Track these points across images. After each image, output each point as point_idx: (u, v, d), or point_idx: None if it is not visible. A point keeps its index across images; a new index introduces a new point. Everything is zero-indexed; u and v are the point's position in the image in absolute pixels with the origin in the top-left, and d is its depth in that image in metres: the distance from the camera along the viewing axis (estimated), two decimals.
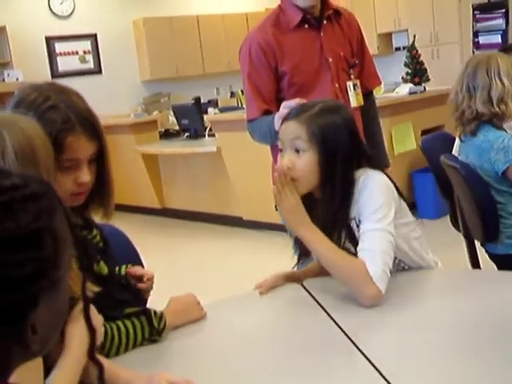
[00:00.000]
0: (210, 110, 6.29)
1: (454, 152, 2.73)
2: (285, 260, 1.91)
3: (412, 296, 1.63)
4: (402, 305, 1.55)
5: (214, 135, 5.82)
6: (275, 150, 2.33)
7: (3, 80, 7.87)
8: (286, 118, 1.69)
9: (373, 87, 2.61)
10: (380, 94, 5.42)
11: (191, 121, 6.35)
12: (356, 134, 1.70)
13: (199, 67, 9.20)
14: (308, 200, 1.66)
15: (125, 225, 6.34)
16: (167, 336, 1.49)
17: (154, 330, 1.46)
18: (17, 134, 1.17)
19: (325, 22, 2.36)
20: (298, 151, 1.63)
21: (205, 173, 6.09)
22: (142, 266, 1.98)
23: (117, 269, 1.70)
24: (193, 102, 6.50)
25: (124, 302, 1.52)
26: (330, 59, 2.35)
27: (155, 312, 1.50)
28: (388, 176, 1.70)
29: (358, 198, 1.62)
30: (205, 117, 5.82)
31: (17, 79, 7.88)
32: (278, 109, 2.23)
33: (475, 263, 2.69)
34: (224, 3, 9.54)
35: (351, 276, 1.55)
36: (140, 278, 1.72)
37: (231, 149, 5.38)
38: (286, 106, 1.91)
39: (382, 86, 9.07)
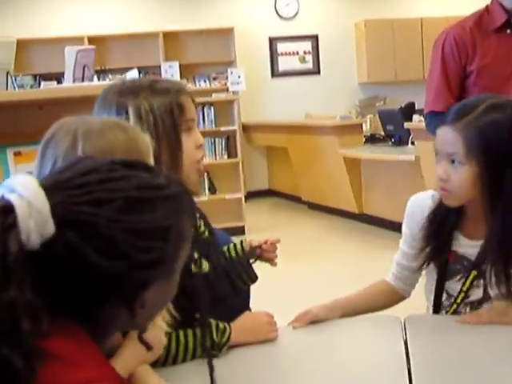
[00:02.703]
0: (415, 117, 6.06)
1: None
2: None
3: None
4: None
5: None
6: None
7: (226, 78, 8.34)
8: (442, 122, 1.54)
9: None
10: None
11: (396, 127, 6.18)
12: None
13: (419, 72, 8.88)
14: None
15: (321, 225, 6.40)
16: (228, 352, 1.44)
17: (214, 344, 1.42)
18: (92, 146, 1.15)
19: None
20: (453, 161, 1.49)
21: (402, 182, 5.89)
22: None
23: (231, 246, 1.75)
24: (399, 107, 6.31)
25: (223, 299, 1.54)
26: None
27: (218, 325, 1.45)
28: None
29: None
30: (405, 124, 5.62)
31: (239, 77, 8.31)
32: None
33: None
34: (450, 5, 9.11)
35: None
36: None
37: (430, 158, 5.12)
38: None
39: None
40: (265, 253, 1.72)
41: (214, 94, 7.57)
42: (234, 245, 1.78)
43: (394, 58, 8.91)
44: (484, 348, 1.46)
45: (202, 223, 1.61)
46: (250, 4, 8.69)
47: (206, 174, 7.04)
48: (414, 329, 1.57)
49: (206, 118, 7.07)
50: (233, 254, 1.76)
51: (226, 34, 8.48)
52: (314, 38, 8.96)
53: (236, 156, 6.75)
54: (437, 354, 1.44)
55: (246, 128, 8.47)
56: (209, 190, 7.00)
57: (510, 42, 2.24)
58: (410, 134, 5.86)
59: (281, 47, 8.88)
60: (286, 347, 1.51)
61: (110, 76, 7.18)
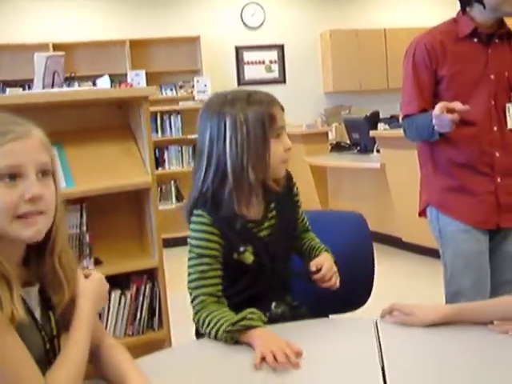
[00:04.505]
0: (380, 125, 6.16)
1: None
2: (436, 292, 1.77)
3: None
4: None
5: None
6: (425, 148, 2.45)
7: (192, 86, 8.34)
8: None
9: None
10: None
11: (361, 135, 6.27)
12: None
13: (383, 81, 9.04)
14: None
15: None
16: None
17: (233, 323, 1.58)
18: None
19: (496, 40, 2.37)
20: None
21: (368, 189, 5.98)
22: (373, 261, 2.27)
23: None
24: (365, 116, 6.40)
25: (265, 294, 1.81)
26: (492, 76, 2.34)
27: (246, 317, 1.59)
28: None
29: None
30: (370, 132, 5.71)
31: (205, 85, 8.32)
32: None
33: None
34: (412, 17, 9.30)
35: None
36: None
37: (395, 166, 5.22)
38: (442, 107, 2.08)
39: None
40: (319, 282, 1.84)
41: (180, 102, 7.58)
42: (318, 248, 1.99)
43: (359, 68, 9.04)
44: (456, 347, 1.51)
45: (275, 218, 1.85)
46: (216, 13, 8.73)
47: (173, 181, 7.04)
48: (386, 330, 1.61)
49: (172, 126, 7.08)
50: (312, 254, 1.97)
51: (193, 42, 8.49)
52: (280, 48, 9.04)
53: None
54: (410, 354, 1.48)
55: None
56: (176, 197, 7.00)
57: (478, 50, 2.34)
58: (375, 142, 5.96)
59: (247, 56, 8.93)
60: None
61: (77, 83, 7.12)
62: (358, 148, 6.44)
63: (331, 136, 7.68)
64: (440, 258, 2.48)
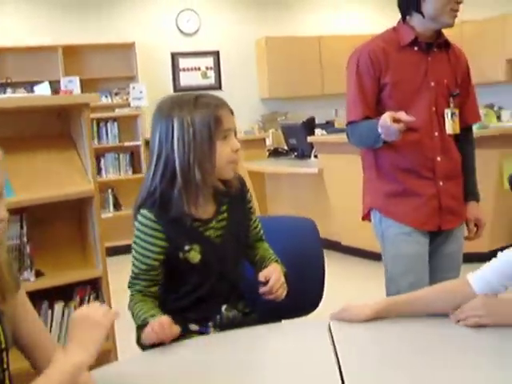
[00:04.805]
0: (317, 131, 6.26)
1: None
2: (376, 293, 1.81)
3: None
4: None
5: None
6: (369, 153, 2.50)
7: (128, 93, 8.26)
8: None
9: (472, 122, 2.65)
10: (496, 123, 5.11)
11: (299, 141, 6.35)
12: None
13: (318, 88, 9.17)
14: None
15: None
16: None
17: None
18: None
19: (435, 49, 2.45)
20: None
21: (306, 194, 6.05)
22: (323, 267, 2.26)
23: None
24: (302, 122, 6.48)
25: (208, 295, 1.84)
26: (432, 83, 2.42)
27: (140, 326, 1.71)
28: None
29: None
30: (308, 138, 5.78)
31: (140, 92, 8.24)
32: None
33: None
34: (346, 25, 9.48)
35: None
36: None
37: (332, 171, 5.31)
38: (390, 117, 2.10)
39: (509, 114, 8.69)
40: (266, 294, 1.85)
41: (116, 109, 7.48)
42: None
43: (295, 74, 9.13)
44: (405, 340, 1.55)
45: (226, 219, 1.87)
46: (151, 19, 8.66)
47: (110, 190, 6.93)
48: (340, 329, 1.64)
49: (109, 133, 6.98)
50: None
51: (128, 48, 8.38)
52: (216, 54, 9.05)
53: (141, 171, 6.69)
54: (365, 351, 1.51)
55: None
56: (114, 206, 6.89)
57: (418, 58, 2.41)
58: (312, 148, 6.04)
59: (183, 63, 8.89)
60: (209, 352, 1.55)
61: (9, 89, 6.93)
62: (296, 153, 6.51)
63: (268, 142, 7.74)
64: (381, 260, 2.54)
